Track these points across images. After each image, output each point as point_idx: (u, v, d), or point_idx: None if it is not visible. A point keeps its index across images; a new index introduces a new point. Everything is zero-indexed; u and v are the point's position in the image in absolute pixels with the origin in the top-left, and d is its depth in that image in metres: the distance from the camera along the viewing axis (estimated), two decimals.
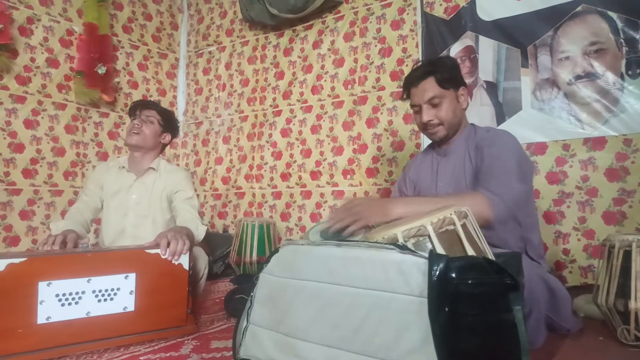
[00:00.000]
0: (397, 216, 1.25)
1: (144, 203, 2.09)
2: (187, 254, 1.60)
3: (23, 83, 2.97)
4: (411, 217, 1.21)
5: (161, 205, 2.10)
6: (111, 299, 1.45)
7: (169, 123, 2.19)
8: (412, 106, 1.70)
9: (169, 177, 2.11)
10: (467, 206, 1.23)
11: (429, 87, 1.61)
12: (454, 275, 0.82)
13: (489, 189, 1.40)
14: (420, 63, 1.73)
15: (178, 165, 3.77)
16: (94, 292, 1.42)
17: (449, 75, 1.61)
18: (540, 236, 1.67)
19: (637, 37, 2.12)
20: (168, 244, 1.55)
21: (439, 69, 1.61)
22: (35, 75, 3.02)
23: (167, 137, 2.19)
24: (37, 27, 3.04)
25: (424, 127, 1.67)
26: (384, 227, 1.16)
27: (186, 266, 1.59)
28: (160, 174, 2.12)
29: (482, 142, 1.60)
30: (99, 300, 1.43)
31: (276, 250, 1.14)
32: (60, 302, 1.37)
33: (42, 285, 1.35)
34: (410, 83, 1.67)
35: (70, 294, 1.39)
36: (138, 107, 2.14)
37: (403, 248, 0.91)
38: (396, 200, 1.49)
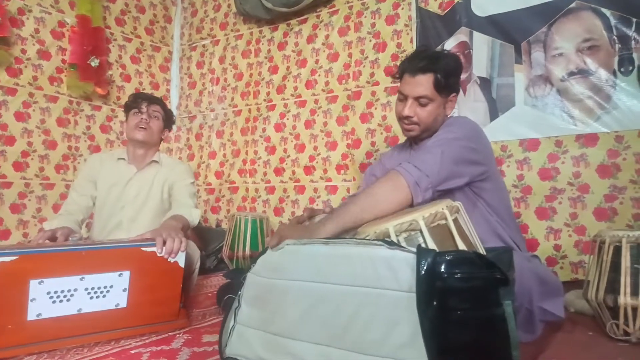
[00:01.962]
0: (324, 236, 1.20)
1: (142, 196, 2.06)
2: (184, 251, 1.57)
3: (14, 75, 2.93)
4: (403, 211, 1.21)
5: (162, 197, 2.09)
6: (104, 296, 1.43)
7: (169, 119, 2.18)
8: (399, 92, 1.64)
9: (170, 170, 2.10)
10: (381, 186, 1.27)
11: (424, 85, 1.54)
12: (442, 269, 0.82)
13: (403, 165, 1.35)
14: (425, 49, 1.66)
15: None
16: (86, 289, 1.41)
17: (447, 80, 1.54)
18: (515, 222, 1.66)
19: (630, 34, 2.13)
20: (164, 242, 1.52)
21: (442, 70, 1.53)
22: (26, 67, 2.99)
23: (166, 133, 2.19)
24: (28, 19, 3.00)
25: (401, 119, 1.63)
26: (375, 221, 1.16)
27: (182, 264, 1.56)
28: (162, 166, 2.11)
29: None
30: (91, 298, 1.42)
31: (264, 252, 1.13)
32: (51, 299, 1.35)
33: (33, 284, 1.32)
34: (408, 69, 1.59)
35: (62, 291, 1.37)
36: (144, 101, 2.07)
37: (391, 244, 0.91)
38: (317, 224, 1.33)
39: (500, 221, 1.54)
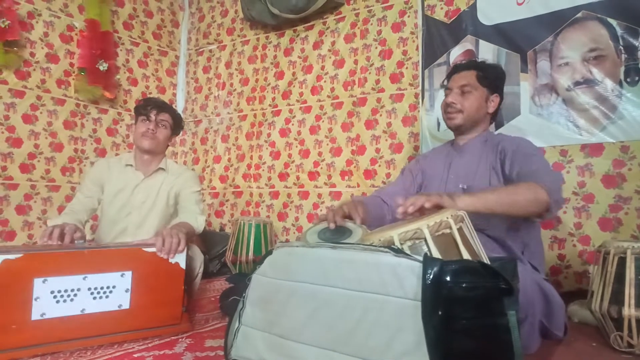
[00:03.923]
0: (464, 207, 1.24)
1: (148, 203, 2.09)
2: (184, 252, 1.59)
3: (22, 78, 2.96)
4: (409, 220, 1.21)
5: (167, 204, 2.11)
6: (107, 297, 1.45)
7: (178, 126, 2.20)
8: (446, 89, 1.77)
9: (177, 177, 2.12)
10: (524, 192, 1.30)
11: (467, 77, 1.71)
12: (448, 278, 0.82)
13: (541, 182, 1.40)
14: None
15: (176, 162, 3.77)
16: (89, 289, 1.42)
17: (488, 75, 1.71)
18: (542, 245, 1.69)
19: (637, 44, 2.13)
20: (164, 242, 1.54)
21: (484, 69, 1.73)
22: (34, 70, 3.02)
23: (173, 139, 2.20)
24: (37, 22, 3.03)
25: (445, 109, 1.74)
26: (380, 229, 1.16)
27: (182, 265, 1.58)
28: (169, 174, 2.12)
29: (504, 142, 1.65)
30: (94, 298, 1.43)
31: (269, 252, 1.14)
32: (55, 298, 1.37)
33: (37, 282, 1.34)
34: (454, 70, 1.78)
35: (66, 290, 1.39)
36: (153, 109, 2.06)
37: (397, 251, 0.91)
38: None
39: (530, 243, 1.58)
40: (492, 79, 1.72)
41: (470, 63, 1.79)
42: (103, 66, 3.20)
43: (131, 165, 2.10)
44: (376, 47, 2.99)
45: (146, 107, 2.07)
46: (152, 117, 2.06)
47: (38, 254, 1.39)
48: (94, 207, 2.07)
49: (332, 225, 1.31)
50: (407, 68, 2.84)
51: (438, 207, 1.18)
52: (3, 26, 2.71)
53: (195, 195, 2.09)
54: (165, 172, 2.12)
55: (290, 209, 3.29)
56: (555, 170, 1.54)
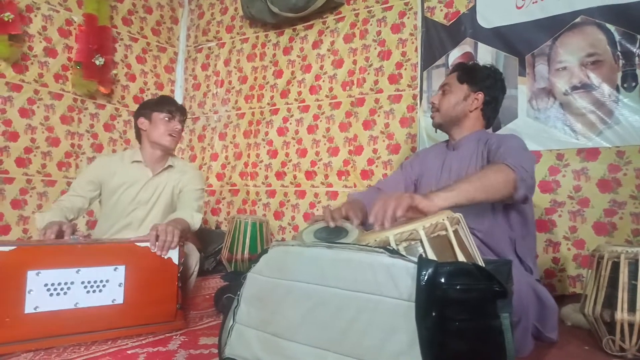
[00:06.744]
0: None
1: (154, 199, 2.10)
2: (177, 248, 1.59)
3: (20, 71, 2.94)
4: (405, 221, 1.21)
5: (172, 200, 2.13)
6: (100, 291, 1.45)
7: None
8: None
9: (182, 174, 2.15)
10: (492, 173, 1.31)
11: (449, 78, 1.79)
12: (442, 280, 0.82)
13: (508, 161, 1.40)
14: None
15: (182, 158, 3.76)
16: (82, 283, 1.42)
17: (468, 72, 1.74)
18: (535, 242, 1.70)
19: (634, 50, 2.14)
20: (157, 238, 1.55)
21: (466, 68, 1.78)
22: (32, 64, 3.00)
23: None
24: (36, 16, 3.02)
25: (430, 109, 1.84)
26: (376, 230, 1.17)
27: (175, 261, 1.59)
28: (175, 170, 2.15)
29: (492, 138, 1.66)
30: (88, 292, 1.43)
31: (265, 251, 1.14)
32: (48, 291, 1.37)
33: (31, 275, 1.34)
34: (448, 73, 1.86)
35: (59, 284, 1.39)
36: (178, 110, 2.12)
37: (393, 252, 0.91)
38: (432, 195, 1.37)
39: (521, 240, 1.58)
40: (474, 76, 1.73)
41: (457, 65, 1.84)
42: (99, 61, 3.18)
43: (140, 161, 2.10)
44: (375, 48, 3.00)
45: (170, 109, 2.10)
46: (178, 119, 2.11)
47: (31, 247, 1.40)
48: (84, 207, 2.04)
49: (331, 224, 1.31)
50: (405, 69, 2.85)
51: (414, 210, 1.17)
52: (7, 20, 2.70)
53: (196, 193, 2.11)
54: (174, 168, 2.16)
55: (286, 208, 3.29)
56: (530, 154, 1.54)
